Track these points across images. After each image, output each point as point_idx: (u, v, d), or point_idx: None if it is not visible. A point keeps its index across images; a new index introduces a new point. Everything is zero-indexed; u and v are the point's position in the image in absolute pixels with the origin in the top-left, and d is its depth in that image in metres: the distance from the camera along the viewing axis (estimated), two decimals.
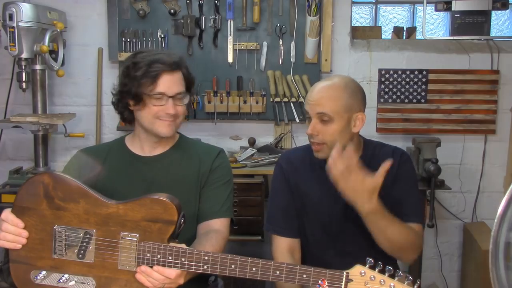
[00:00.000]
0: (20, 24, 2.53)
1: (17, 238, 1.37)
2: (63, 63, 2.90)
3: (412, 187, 1.79)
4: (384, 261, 1.83)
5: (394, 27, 3.31)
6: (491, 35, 3.12)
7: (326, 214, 1.76)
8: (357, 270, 1.26)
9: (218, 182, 1.68)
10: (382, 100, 3.01)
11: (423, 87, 3.00)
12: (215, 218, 1.64)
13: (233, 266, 1.31)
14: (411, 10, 4.18)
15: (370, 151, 1.80)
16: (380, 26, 3.37)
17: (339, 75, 1.80)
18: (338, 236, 1.78)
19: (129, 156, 1.68)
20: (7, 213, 1.39)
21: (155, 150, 1.68)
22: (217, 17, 2.93)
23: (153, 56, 1.58)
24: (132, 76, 1.57)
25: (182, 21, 2.94)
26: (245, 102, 2.98)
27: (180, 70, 1.60)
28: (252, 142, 3.01)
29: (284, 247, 1.79)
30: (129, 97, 1.59)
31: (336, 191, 1.74)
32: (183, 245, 1.34)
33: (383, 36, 3.28)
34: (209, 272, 1.32)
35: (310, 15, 2.86)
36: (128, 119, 1.67)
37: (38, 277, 1.39)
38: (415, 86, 3.00)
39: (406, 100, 3.01)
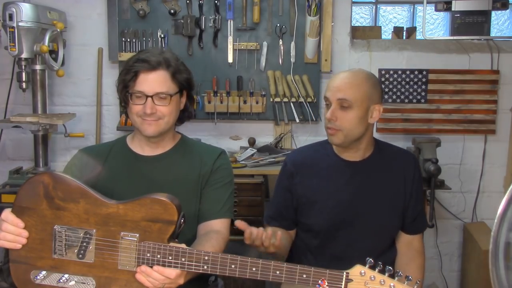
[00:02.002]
0: (20, 24, 2.53)
1: (17, 238, 1.37)
2: (63, 63, 2.90)
3: (422, 198, 1.91)
4: (387, 257, 1.87)
5: (394, 27, 3.31)
6: (491, 35, 3.12)
7: (335, 211, 1.79)
8: (357, 270, 1.26)
9: (219, 182, 1.68)
10: (382, 100, 3.00)
11: (423, 87, 3.00)
12: (216, 219, 1.64)
13: (233, 266, 1.31)
14: (411, 10, 4.18)
15: (382, 149, 1.86)
16: (380, 26, 3.37)
17: (360, 68, 1.84)
18: (347, 231, 1.80)
19: (130, 156, 1.68)
20: (7, 213, 1.39)
21: (155, 150, 1.68)
22: (217, 17, 2.93)
23: (142, 55, 1.59)
24: (120, 75, 1.60)
25: (182, 21, 2.93)
26: (245, 102, 2.98)
27: (164, 69, 1.57)
28: (252, 142, 3.01)
29: None
30: (119, 96, 1.62)
31: (344, 188, 1.77)
32: (183, 245, 1.34)
33: (383, 36, 3.28)
34: (209, 272, 1.32)
35: (310, 15, 2.85)
36: None
37: (38, 277, 1.39)
38: (415, 86, 3.00)
39: (406, 100, 3.01)
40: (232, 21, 2.94)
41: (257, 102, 2.98)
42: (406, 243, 1.87)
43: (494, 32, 3.66)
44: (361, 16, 4.15)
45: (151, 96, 1.55)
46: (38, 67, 2.75)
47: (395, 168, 1.82)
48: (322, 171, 1.81)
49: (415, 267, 1.83)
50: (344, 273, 1.26)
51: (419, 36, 3.15)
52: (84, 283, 1.38)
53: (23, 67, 2.66)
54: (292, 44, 2.94)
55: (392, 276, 1.25)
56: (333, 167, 1.81)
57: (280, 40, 2.95)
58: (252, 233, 1.51)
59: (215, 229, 1.61)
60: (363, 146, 1.78)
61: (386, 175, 1.81)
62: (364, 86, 1.70)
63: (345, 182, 1.79)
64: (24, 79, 2.69)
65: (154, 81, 1.56)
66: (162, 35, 2.95)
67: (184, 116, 1.72)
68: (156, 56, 1.57)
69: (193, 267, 1.32)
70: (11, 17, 2.51)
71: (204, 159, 1.69)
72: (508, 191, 1.10)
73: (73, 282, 1.38)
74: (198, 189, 1.66)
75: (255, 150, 2.93)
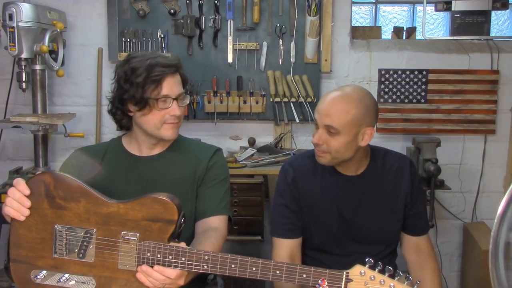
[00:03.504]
0: (20, 24, 2.53)
1: (22, 208, 1.37)
2: (63, 63, 2.90)
3: (423, 198, 1.86)
4: (388, 261, 1.84)
5: (394, 27, 3.31)
6: (491, 35, 3.12)
7: (334, 221, 1.77)
8: (357, 270, 1.26)
9: (214, 180, 1.69)
10: (382, 100, 3.01)
11: (423, 87, 3.00)
12: (213, 216, 1.64)
13: (233, 266, 1.31)
14: (411, 10, 4.19)
15: (378, 159, 1.80)
16: (380, 26, 3.37)
17: (355, 86, 1.73)
18: (348, 244, 1.79)
19: (126, 157, 1.69)
20: (18, 179, 1.39)
21: (152, 150, 1.69)
22: (217, 17, 2.93)
23: (151, 60, 1.57)
24: (134, 82, 1.55)
25: (182, 21, 2.94)
26: (245, 102, 2.98)
27: (178, 71, 1.62)
28: (252, 142, 3.01)
29: (285, 251, 1.78)
30: (133, 103, 1.57)
31: (344, 202, 1.75)
32: (183, 244, 1.34)
33: (383, 36, 3.28)
34: (209, 272, 1.33)
35: (310, 15, 2.86)
36: (126, 126, 1.67)
37: (38, 277, 1.39)
38: (415, 86, 3.00)
39: (406, 100, 3.01)
40: (232, 21, 2.94)
41: (257, 102, 2.98)
42: (414, 248, 1.83)
43: (494, 32, 3.67)
44: (361, 16, 4.16)
45: (176, 98, 1.58)
46: (38, 67, 2.74)
47: (392, 176, 1.78)
48: (321, 183, 1.77)
49: (429, 272, 1.78)
50: (344, 273, 1.26)
51: (419, 36, 3.15)
52: (84, 282, 1.38)
53: (23, 67, 2.66)
54: (292, 44, 2.94)
55: (392, 276, 1.25)
56: (331, 180, 1.76)
57: (280, 40, 2.95)
58: None
59: (213, 226, 1.61)
60: (355, 163, 1.73)
61: (384, 185, 1.77)
62: (354, 110, 1.61)
63: (344, 196, 1.75)
64: (24, 79, 2.68)
65: (175, 84, 1.60)
66: (162, 35, 2.95)
67: None
68: (169, 59, 1.60)
69: (193, 266, 1.32)
70: (11, 17, 2.51)
71: (199, 157, 1.70)
72: (508, 191, 1.10)
73: (73, 282, 1.39)
74: (194, 188, 1.67)
75: (255, 150, 2.93)
